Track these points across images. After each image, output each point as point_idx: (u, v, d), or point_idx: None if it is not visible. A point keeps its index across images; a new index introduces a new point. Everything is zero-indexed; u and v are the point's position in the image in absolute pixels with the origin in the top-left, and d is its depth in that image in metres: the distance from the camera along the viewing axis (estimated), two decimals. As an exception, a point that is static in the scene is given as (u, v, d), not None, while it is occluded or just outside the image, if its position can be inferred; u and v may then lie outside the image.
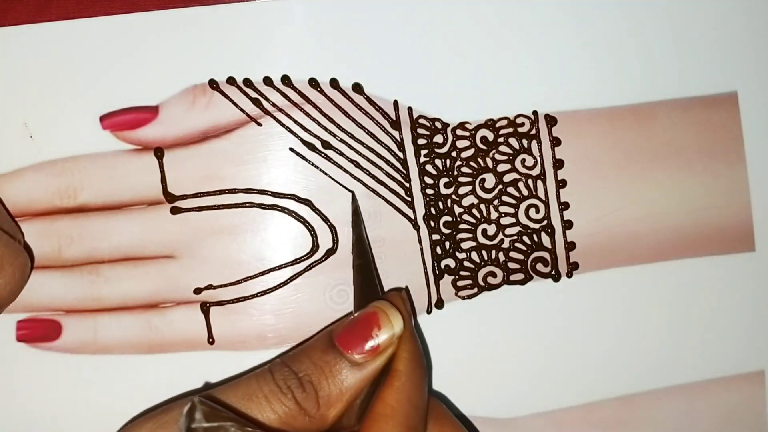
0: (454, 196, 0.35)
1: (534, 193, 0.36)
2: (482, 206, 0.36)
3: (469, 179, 0.36)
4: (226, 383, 0.30)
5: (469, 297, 0.36)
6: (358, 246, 0.34)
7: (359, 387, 0.29)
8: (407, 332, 0.31)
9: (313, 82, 0.34)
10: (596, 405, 0.37)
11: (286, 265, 0.35)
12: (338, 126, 0.35)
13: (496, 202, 0.36)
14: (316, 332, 0.35)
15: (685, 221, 0.37)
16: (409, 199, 0.35)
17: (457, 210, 0.36)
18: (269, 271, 0.35)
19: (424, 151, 0.35)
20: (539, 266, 0.36)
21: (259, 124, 0.34)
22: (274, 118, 0.34)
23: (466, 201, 0.36)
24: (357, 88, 0.35)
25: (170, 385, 0.34)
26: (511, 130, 0.36)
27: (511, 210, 0.36)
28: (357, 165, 0.35)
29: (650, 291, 0.37)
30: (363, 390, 0.30)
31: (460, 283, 0.36)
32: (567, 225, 0.36)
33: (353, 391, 0.29)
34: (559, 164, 0.36)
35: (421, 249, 0.35)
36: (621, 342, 0.37)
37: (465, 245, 0.36)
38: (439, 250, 0.35)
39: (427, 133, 0.35)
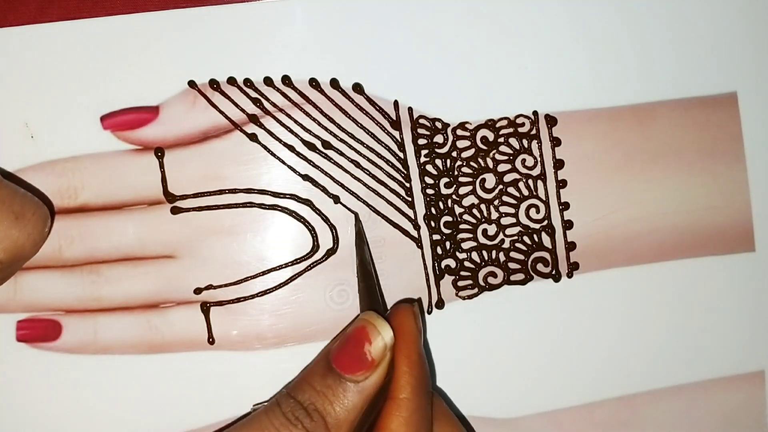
0: (454, 196, 0.35)
1: (534, 193, 0.36)
2: (483, 206, 0.36)
3: (470, 179, 0.36)
4: (238, 422, 0.30)
5: (470, 297, 0.36)
6: (362, 269, 0.34)
7: (363, 404, 0.30)
8: (415, 354, 0.30)
9: (314, 83, 0.34)
10: (596, 405, 0.37)
11: (286, 265, 0.35)
12: (339, 126, 0.35)
13: (496, 202, 0.36)
14: (316, 332, 0.35)
15: (685, 221, 0.37)
16: (410, 199, 0.35)
17: (458, 210, 0.36)
18: (269, 271, 0.35)
19: (424, 151, 0.35)
20: (540, 266, 0.36)
21: (262, 125, 0.34)
22: (275, 118, 0.34)
23: (467, 201, 0.36)
24: (357, 88, 0.35)
25: (170, 385, 0.34)
26: (511, 130, 0.36)
27: (512, 210, 0.36)
28: (357, 165, 0.35)
29: (650, 291, 0.37)
30: (366, 406, 0.30)
31: (460, 283, 0.36)
32: (567, 225, 0.36)
33: (358, 409, 0.30)
34: (559, 164, 0.36)
35: (422, 249, 0.35)
36: (621, 342, 0.37)
37: (465, 245, 0.36)
38: (439, 250, 0.35)
39: (428, 133, 0.35)
